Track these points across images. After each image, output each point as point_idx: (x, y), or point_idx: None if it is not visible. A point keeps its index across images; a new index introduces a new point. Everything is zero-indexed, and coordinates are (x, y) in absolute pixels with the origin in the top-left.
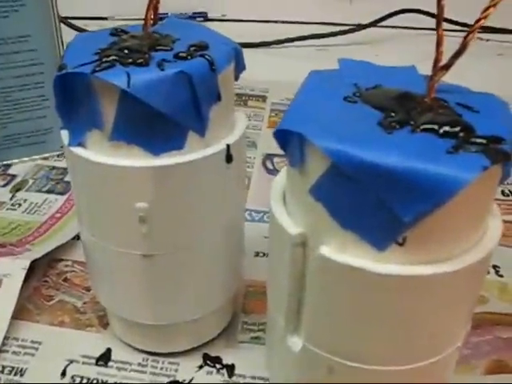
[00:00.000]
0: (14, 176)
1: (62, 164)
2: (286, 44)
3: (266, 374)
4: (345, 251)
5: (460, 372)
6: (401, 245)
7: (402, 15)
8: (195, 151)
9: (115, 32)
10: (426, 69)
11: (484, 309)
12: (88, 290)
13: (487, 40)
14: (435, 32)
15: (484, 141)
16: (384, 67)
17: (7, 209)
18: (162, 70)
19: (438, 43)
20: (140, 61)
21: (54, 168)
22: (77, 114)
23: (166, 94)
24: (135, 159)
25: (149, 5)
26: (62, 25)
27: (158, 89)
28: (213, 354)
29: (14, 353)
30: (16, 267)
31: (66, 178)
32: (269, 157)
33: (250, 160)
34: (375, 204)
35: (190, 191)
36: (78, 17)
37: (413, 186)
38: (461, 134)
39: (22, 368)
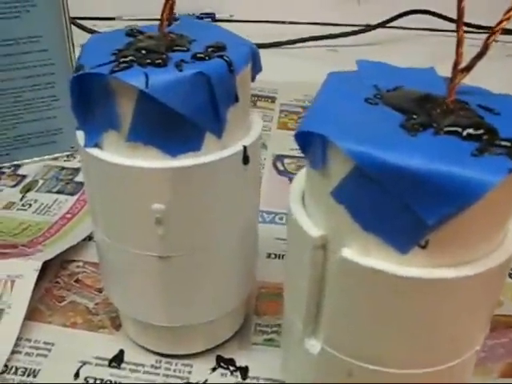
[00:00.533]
0: (23, 176)
1: (71, 164)
2: (294, 45)
3: (279, 377)
4: (367, 254)
5: (476, 375)
6: (423, 248)
7: (411, 16)
8: (212, 153)
9: (131, 32)
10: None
11: (499, 311)
12: (100, 291)
13: (496, 41)
14: (444, 33)
15: (508, 143)
16: (402, 68)
17: (18, 209)
18: (181, 70)
19: (458, 44)
20: (158, 61)
21: (63, 168)
22: (93, 115)
23: (184, 94)
24: (152, 160)
25: (165, 5)
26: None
27: (176, 90)
28: (226, 355)
29: (27, 354)
30: (28, 268)
31: (76, 179)
32: (279, 158)
33: (261, 161)
34: (398, 207)
35: (207, 193)
36: (87, 17)
37: (437, 188)
38: (484, 137)
39: (35, 369)
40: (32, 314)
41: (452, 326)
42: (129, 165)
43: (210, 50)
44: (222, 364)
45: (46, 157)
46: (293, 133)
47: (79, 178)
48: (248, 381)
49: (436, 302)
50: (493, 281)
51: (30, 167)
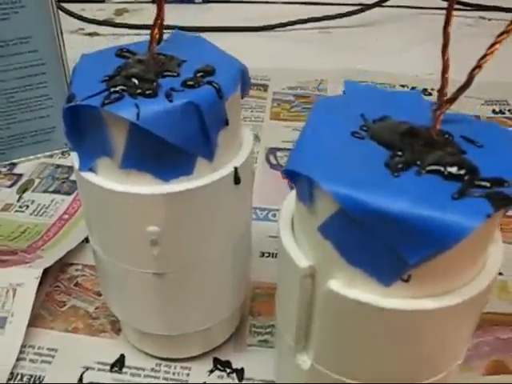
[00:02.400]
0: (19, 175)
1: (66, 162)
2: (286, 28)
3: (274, 378)
4: (352, 286)
5: (460, 373)
6: (406, 281)
7: None
8: (204, 176)
9: (120, 53)
10: (429, 51)
11: (484, 309)
12: (99, 294)
13: (489, 19)
14: (439, 11)
15: (488, 183)
16: (389, 93)
17: (15, 211)
18: (171, 101)
19: (444, 70)
20: (148, 92)
21: (58, 166)
22: (86, 142)
23: (174, 124)
24: (146, 185)
25: (154, 24)
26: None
27: (166, 120)
28: (223, 358)
29: (32, 361)
30: (29, 276)
31: (72, 177)
32: (272, 151)
33: (254, 155)
34: (382, 246)
35: (200, 214)
36: (75, 0)
37: (419, 232)
38: (466, 177)
39: (40, 376)
40: (34, 321)
41: (434, 349)
42: (123, 191)
43: (199, 75)
44: (218, 366)
45: (41, 154)
46: (285, 124)
47: (74, 176)
48: (244, 381)
49: (418, 331)
50: (474, 307)
51: (26, 165)
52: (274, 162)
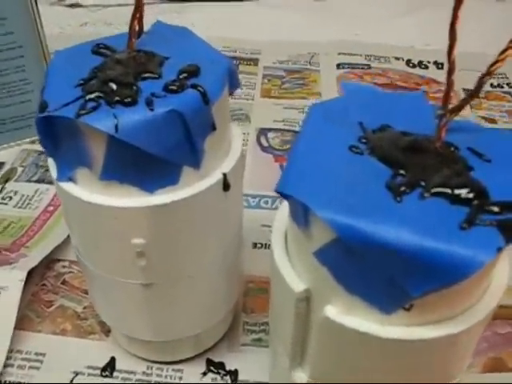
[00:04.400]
0: (2, 163)
1: None
2: None
3: (268, 380)
4: (350, 313)
5: None
6: (407, 310)
7: None
8: (191, 185)
9: (97, 50)
10: (425, 18)
11: None
12: (87, 292)
13: None
14: None
15: (498, 209)
16: (389, 95)
17: None
18: (152, 109)
19: (450, 73)
20: (127, 100)
21: (42, 153)
22: (64, 151)
23: (156, 135)
24: (129, 198)
25: (133, 18)
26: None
27: (147, 131)
28: (216, 359)
29: (19, 367)
30: (13, 279)
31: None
32: (263, 132)
33: (244, 136)
34: (383, 276)
35: (188, 225)
36: None
37: (424, 265)
38: (474, 202)
39: (28, 383)
40: (21, 323)
41: (434, 373)
42: (104, 204)
43: (182, 76)
44: (212, 368)
45: (23, 141)
46: (276, 101)
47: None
48: (238, 383)
49: (419, 359)
50: (476, 332)
51: (8, 152)
52: (265, 144)
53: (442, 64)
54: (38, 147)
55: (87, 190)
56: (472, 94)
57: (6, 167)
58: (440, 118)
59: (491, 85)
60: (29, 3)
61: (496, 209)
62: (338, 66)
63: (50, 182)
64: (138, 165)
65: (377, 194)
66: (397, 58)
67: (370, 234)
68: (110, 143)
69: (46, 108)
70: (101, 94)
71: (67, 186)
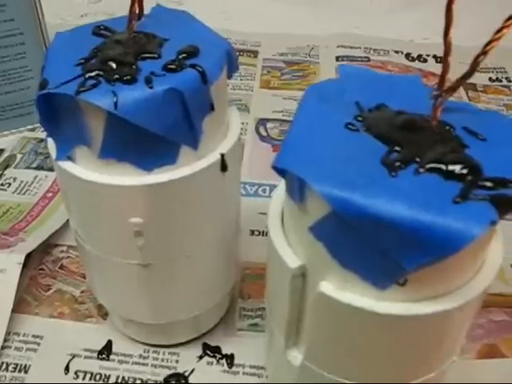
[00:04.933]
0: (1, 150)
1: None
2: None
3: (263, 364)
4: (345, 288)
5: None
6: (402, 285)
7: None
8: (188, 164)
9: (97, 31)
10: (425, 12)
11: None
12: (85, 277)
13: None
14: None
15: (491, 184)
16: (386, 76)
17: None
18: (151, 87)
19: (446, 54)
20: (127, 77)
21: (41, 140)
22: (63, 130)
23: (155, 112)
24: (127, 176)
25: (133, 1)
26: None
27: (147, 108)
28: (212, 343)
29: (17, 349)
30: (11, 262)
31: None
32: (262, 122)
33: (243, 126)
34: (377, 250)
35: (186, 205)
36: None
37: (418, 238)
38: (468, 177)
39: (26, 365)
40: (19, 306)
41: (429, 350)
42: (103, 182)
43: (181, 56)
44: (208, 352)
45: (23, 128)
46: (275, 92)
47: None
48: (234, 368)
49: (414, 335)
50: (472, 308)
51: (7, 140)
52: (264, 133)
53: (441, 58)
54: (38, 134)
55: (86, 168)
56: (467, 74)
57: (6, 154)
58: (435, 98)
59: (490, 79)
60: None
61: (489, 184)
62: (338, 58)
63: (49, 169)
64: (136, 143)
65: (372, 170)
66: (396, 52)
67: (364, 207)
68: (109, 121)
69: (47, 86)
70: (100, 72)
71: (66, 164)
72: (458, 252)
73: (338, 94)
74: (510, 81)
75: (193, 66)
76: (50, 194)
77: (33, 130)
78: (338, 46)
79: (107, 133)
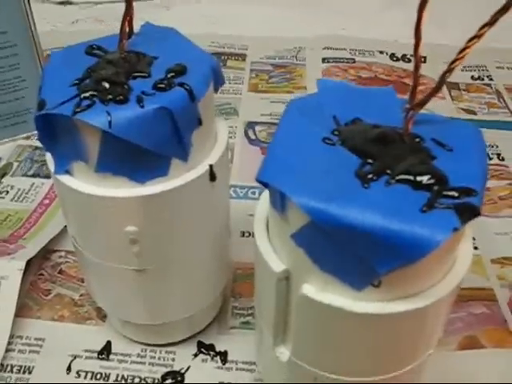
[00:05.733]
0: None
1: None
2: None
3: (255, 359)
4: (325, 290)
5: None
6: (376, 286)
7: None
8: (179, 176)
9: (90, 51)
10: (410, 12)
11: None
12: (83, 281)
13: None
14: None
15: (456, 193)
16: (362, 90)
17: None
18: (142, 106)
19: (416, 69)
20: (119, 98)
21: (36, 148)
22: (61, 146)
23: (146, 130)
24: (122, 188)
25: (123, 20)
26: None
27: (138, 126)
28: (207, 341)
29: (20, 351)
30: (12, 268)
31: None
32: (250, 125)
33: (232, 129)
34: (353, 255)
35: (178, 213)
36: None
37: (388, 245)
38: (435, 187)
39: (30, 366)
40: (21, 310)
41: (406, 346)
42: (99, 194)
43: (170, 75)
44: (202, 350)
45: (18, 136)
46: (263, 96)
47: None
48: (227, 364)
49: (390, 332)
50: (445, 305)
51: (3, 148)
52: (252, 137)
53: (425, 57)
54: (33, 143)
55: (83, 181)
56: (435, 90)
57: (2, 162)
58: (407, 112)
59: (472, 77)
60: (22, 3)
61: (454, 193)
62: (324, 60)
63: (45, 177)
64: (130, 158)
65: (347, 181)
66: (381, 52)
67: (339, 217)
68: (104, 138)
69: (44, 106)
70: (95, 93)
71: (64, 178)
72: (425, 256)
73: (317, 109)
74: (491, 79)
75: (181, 85)
76: (47, 201)
77: (28, 138)
78: (324, 48)
79: (102, 149)
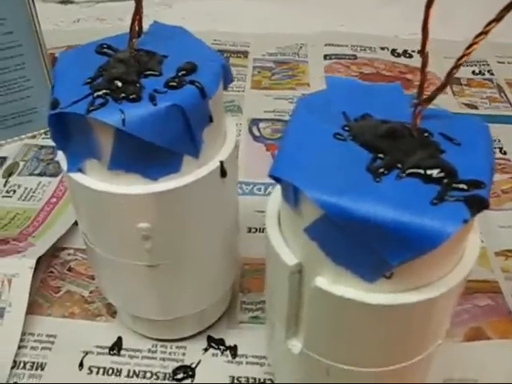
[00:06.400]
0: (3, 158)
1: (49, 142)
2: None
3: (265, 354)
4: (338, 282)
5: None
6: (388, 278)
7: None
8: (191, 172)
9: (100, 50)
10: (411, 6)
11: None
12: (93, 278)
13: None
14: None
15: (465, 186)
16: (369, 86)
17: (3, 196)
18: (155, 104)
19: (423, 65)
20: (132, 96)
21: (42, 147)
22: (74, 144)
23: (159, 127)
24: (135, 185)
25: (133, 20)
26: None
27: (151, 124)
28: (216, 336)
29: (32, 348)
30: (23, 266)
31: (57, 158)
32: (254, 122)
33: (237, 127)
34: (365, 248)
35: (190, 209)
36: None
37: (400, 237)
38: (445, 180)
39: (42, 362)
40: (32, 308)
41: (417, 336)
42: (112, 192)
43: (181, 73)
44: (212, 344)
45: (24, 136)
46: (266, 92)
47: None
48: (237, 358)
49: (401, 322)
50: (454, 295)
51: (9, 148)
52: (257, 133)
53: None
54: (39, 141)
55: (96, 179)
56: (442, 86)
57: (9, 162)
58: (415, 107)
59: (473, 72)
60: (27, 4)
61: (463, 186)
62: (326, 56)
63: (52, 175)
64: (142, 155)
65: (358, 176)
66: (382, 48)
67: (352, 210)
68: (118, 136)
69: (58, 105)
70: (107, 91)
71: (77, 176)
72: (436, 248)
73: (325, 105)
74: (492, 74)
75: (192, 83)
76: (54, 199)
77: (33, 137)
78: (326, 45)
79: (116, 147)
